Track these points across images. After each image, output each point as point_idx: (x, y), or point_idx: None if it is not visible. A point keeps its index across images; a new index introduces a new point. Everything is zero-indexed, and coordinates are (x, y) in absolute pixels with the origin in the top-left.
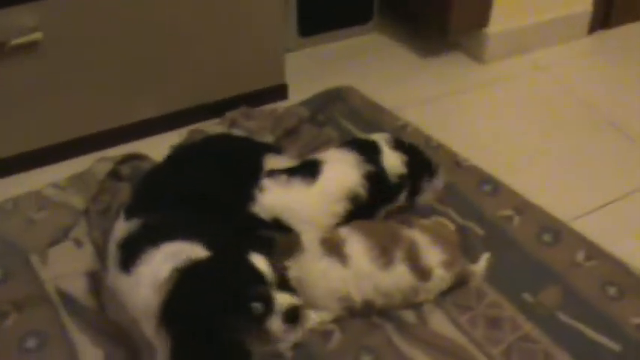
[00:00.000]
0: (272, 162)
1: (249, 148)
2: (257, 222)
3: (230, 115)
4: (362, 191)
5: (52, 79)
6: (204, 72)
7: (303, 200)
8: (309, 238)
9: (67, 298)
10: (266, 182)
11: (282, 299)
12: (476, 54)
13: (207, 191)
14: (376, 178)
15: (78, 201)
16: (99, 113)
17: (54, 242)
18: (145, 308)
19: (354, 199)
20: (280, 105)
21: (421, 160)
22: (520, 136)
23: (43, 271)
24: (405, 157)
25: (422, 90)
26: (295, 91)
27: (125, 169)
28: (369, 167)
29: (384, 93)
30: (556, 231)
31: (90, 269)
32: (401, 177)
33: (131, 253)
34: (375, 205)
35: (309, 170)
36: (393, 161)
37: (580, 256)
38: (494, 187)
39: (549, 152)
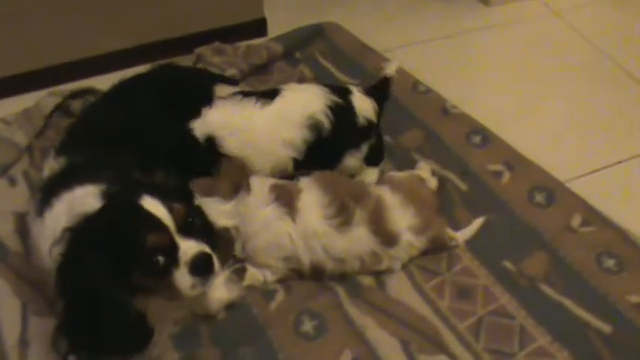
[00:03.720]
0: (224, 93)
1: (197, 79)
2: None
3: (199, 50)
4: (325, 121)
5: (7, 7)
6: (175, 2)
7: (251, 119)
8: (259, 181)
9: None
10: (218, 100)
11: (187, 247)
12: None
13: (142, 125)
14: (343, 111)
15: (21, 137)
16: (58, 44)
17: None
18: (47, 261)
19: (315, 128)
20: (257, 41)
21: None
22: (521, 85)
23: None
24: (376, 107)
25: (417, 31)
26: (277, 27)
27: (76, 105)
28: (336, 99)
29: (374, 33)
30: (550, 191)
31: (19, 209)
32: (369, 122)
33: (47, 195)
34: (339, 145)
35: (268, 94)
36: (363, 103)
37: (575, 220)
38: (485, 138)
39: (553, 104)
